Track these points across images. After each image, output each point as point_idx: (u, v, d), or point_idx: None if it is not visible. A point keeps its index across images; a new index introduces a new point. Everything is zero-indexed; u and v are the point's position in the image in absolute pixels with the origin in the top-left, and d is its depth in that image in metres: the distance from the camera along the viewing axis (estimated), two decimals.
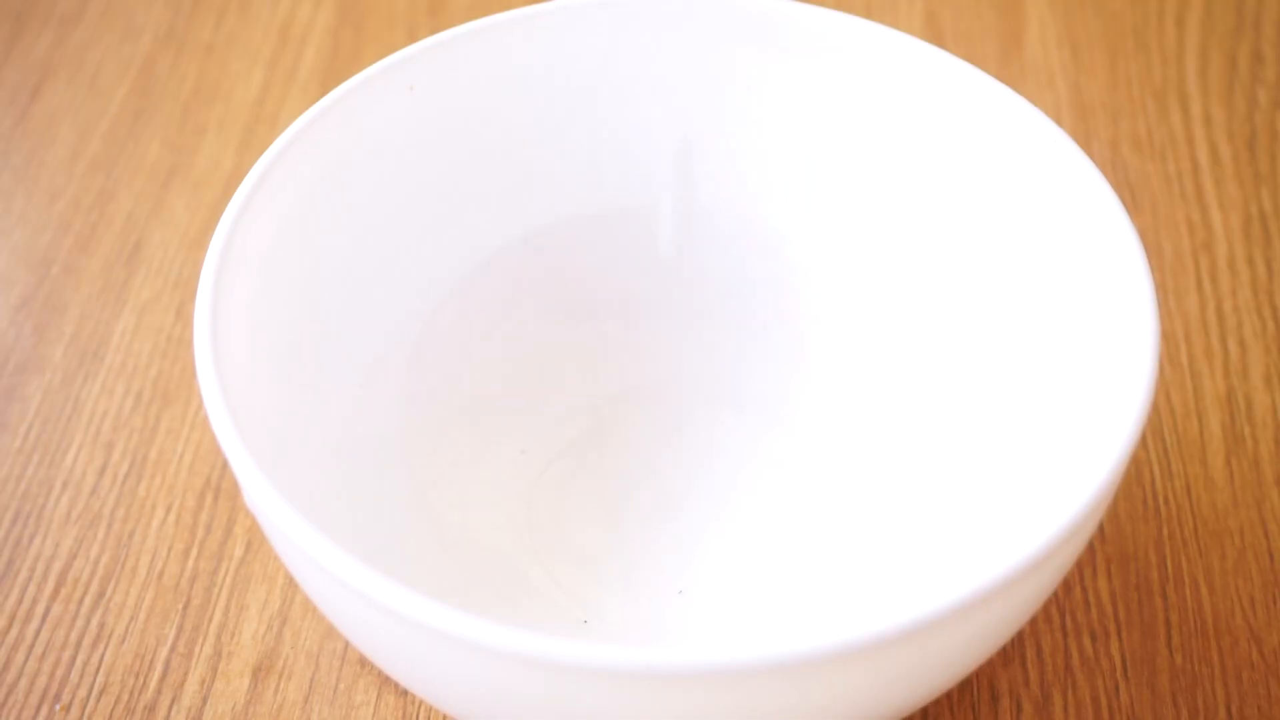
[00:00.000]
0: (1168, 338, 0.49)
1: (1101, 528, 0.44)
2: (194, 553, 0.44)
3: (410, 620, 0.31)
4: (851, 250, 0.46)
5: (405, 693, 0.41)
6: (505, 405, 0.44)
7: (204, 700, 0.41)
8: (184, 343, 0.49)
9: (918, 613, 0.30)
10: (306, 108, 0.41)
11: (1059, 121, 0.55)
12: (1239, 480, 0.45)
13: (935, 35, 0.59)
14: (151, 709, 0.41)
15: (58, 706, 0.41)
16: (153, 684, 0.41)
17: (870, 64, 0.43)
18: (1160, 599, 0.43)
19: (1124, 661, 0.41)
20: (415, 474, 0.42)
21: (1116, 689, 0.41)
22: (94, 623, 0.43)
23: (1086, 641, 0.42)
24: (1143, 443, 0.46)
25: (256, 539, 0.44)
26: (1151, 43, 0.59)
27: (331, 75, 0.58)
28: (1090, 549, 0.44)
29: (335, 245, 0.42)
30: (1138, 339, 0.36)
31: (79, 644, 0.42)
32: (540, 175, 0.46)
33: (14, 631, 0.42)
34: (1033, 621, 0.42)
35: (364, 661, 0.42)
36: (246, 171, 0.40)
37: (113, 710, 0.41)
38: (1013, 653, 0.42)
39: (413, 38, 0.59)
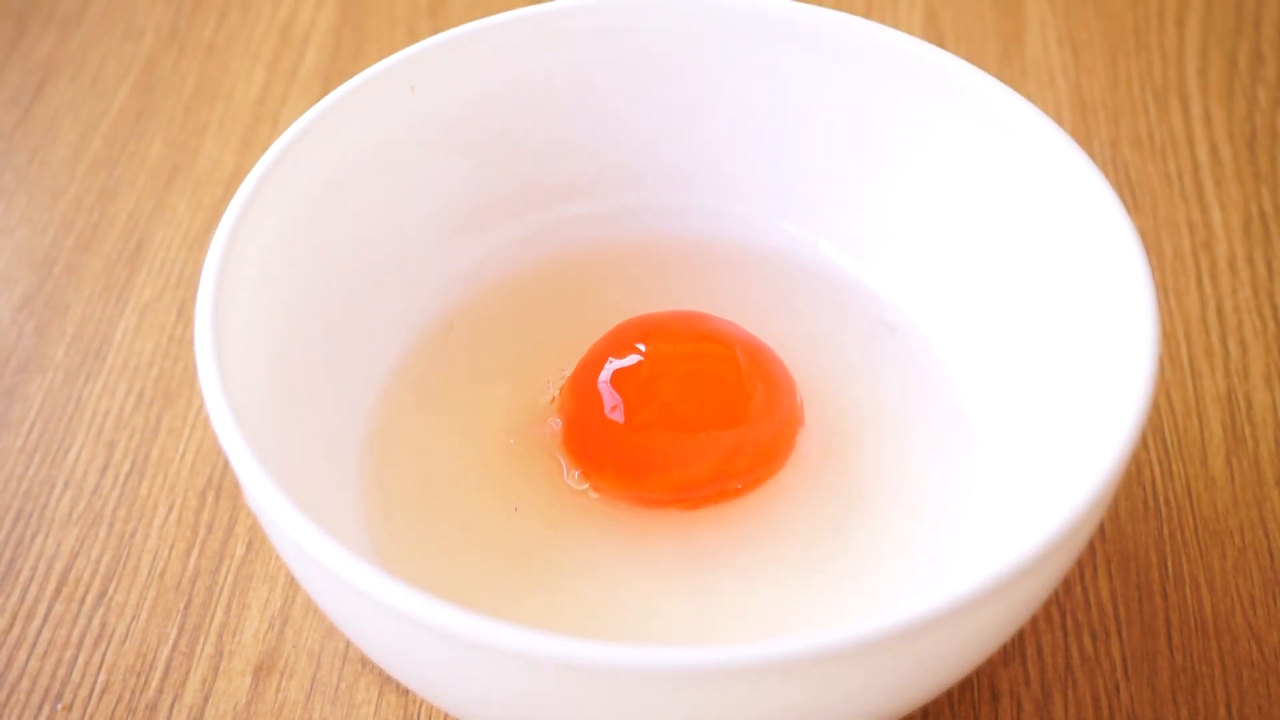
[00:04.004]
0: (1168, 337, 0.49)
1: (1102, 527, 0.44)
2: (195, 552, 0.44)
3: (411, 618, 0.31)
4: (848, 248, 0.46)
5: (407, 692, 0.41)
6: (509, 404, 0.44)
7: (205, 699, 0.41)
8: (185, 342, 0.49)
9: (919, 611, 0.30)
10: (308, 107, 0.41)
11: (1059, 121, 0.55)
12: (1239, 480, 0.45)
13: (935, 35, 0.59)
14: (153, 708, 0.41)
15: (59, 706, 0.41)
16: (154, 683, 0.41)
17: (870, 63, 0.43)
18: (1160, 598, 0.43)
19: (1124, 660, 0.41)
20: (416, 473, 0.42)
21: (1117, 688, 0.41)
22: (96, 622, 0.43)
23: (1087, 640, 0.42)
24: (1143, 442, 0.46)
25: (258, 538, 0.44)
26: (1152, 42, 0.59)
27: (333, 75, 0.58)
28: (1091, 548, 0.44)
29: (336, 244, 0.42)
30: (1138, 338, 0.36)
31: (81, 643, 0.42)
32: (541, 175, 0.46)
33: (16, 630, 0.42)
34: (1033, 620, 0.42)
35: (365, 661, 0.42)
36: (248, 171, 0.40)
37: (114, 709, 0.41)
38: (1013, 652, 0.42)
39: (414, 38, 0.59)
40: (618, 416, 0.41)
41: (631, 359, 0.42)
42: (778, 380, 0.43)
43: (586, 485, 0.42)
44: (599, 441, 0.41)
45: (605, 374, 0.41)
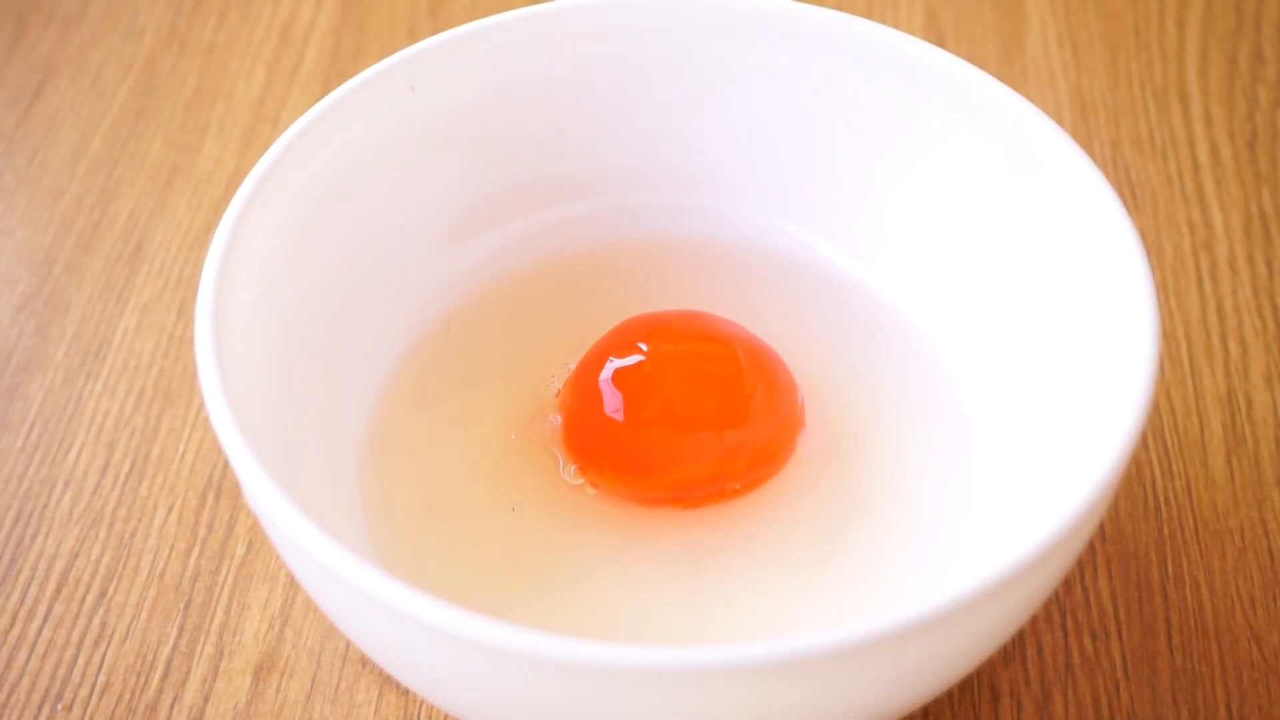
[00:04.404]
0: (1168, 337, 0.49)
1: (1102, 527, 0.44)
2: (195, 552, 0.44)
3: (411, 618, 0.31)
4: (848, 248, 0.46)
5: (407, 692, 0.41)
6: (509, 404, 0.44)
7: (205, 699, 0.41)
8: (186, 342, 0.49)
9: (919, 611, 0.30)
10: (308, 107, 0.41)
11: (1059, 121, 0.55)
12: (1239, 480, 0.45)
13: (936, 35, 0.59)
14: (153, 708, 0.41)
15: (59, 706, 0.41)
16: (154, 683, 0.41)
17: (871, 64, 0.43)
18: (1160, 598, 0.43)
19: (1124, 660, 0.41)
20: (416, 472, 0.42)
21: (1117, 688, 0.41)
22: (96, 622, 0.43)
23: (1087, 640, 0.42)
24: (1143, 442, 0.46)
25: (258, 538, 0.44)
26: (1152, 42, 0.59)
27: (333, 75, 0.58)
28: (1091, 548, 0.44)
29: (336, 244, 0.42)
30: (1138, 338, 0.36)
31: (81, 643, 0.42)
32: (541, 175, 0.46)
33: (16, 630, 0.42)
34: (1033, 620, 0.42)
35: (365, 661, 0.42)
36: (248, 171, 0.40)
37: (114, 709, 0.41)
38: (1013, 651, 0.42)
39: (414, 37, 0.59)
40: (617, 414, 0.41)
41: (632, 358, 0.42)
42: (779, 381, 0.43)
43: (583, 480, 0.42)
44: (598, 439, 0.42)
45: (606, 372, 0.42)
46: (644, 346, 0.42)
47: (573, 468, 0.42)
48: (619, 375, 0.41)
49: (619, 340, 0.42)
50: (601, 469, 0.42)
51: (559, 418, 0.43)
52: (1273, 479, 0.45)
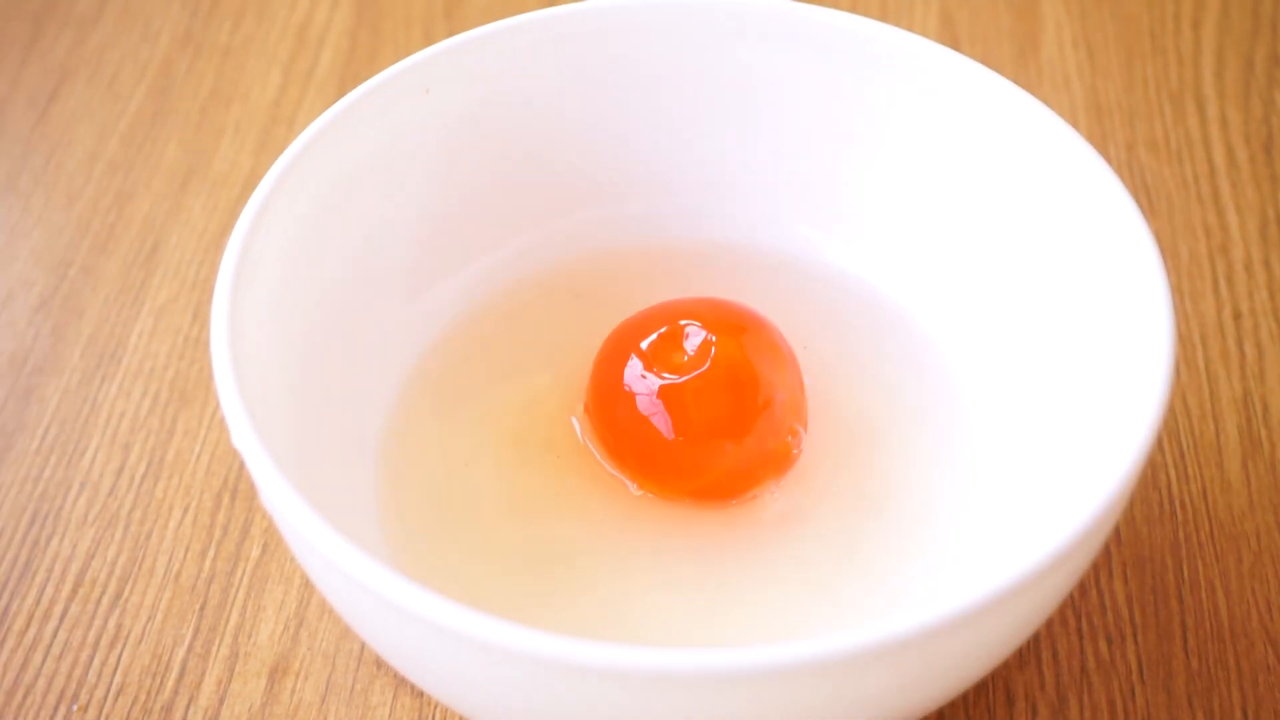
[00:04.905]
0: (1184, 340, 0.49)
1: (1118, 530, 0.44)
2: (211, 553, 0.44)
3: (425, 621, 0.31)
4: (859, 252, 0.46)
5: (421, 693, 0.41)
6: (523, 406, 0.44)
7: (220, 701, 0.41)
8: (201, 344, 0.49)
9: (935, 614, 0.30)
10: (323, 109, 0.41)
11: (1075, 124, 0.55)
12: (1255, 483, 0.45)
13: (951, 37, 0.59)
14: (168, 709, 0.41)
15: (75, 707, 0.41)
16: (170, 684, 0.41)
17: (885, 66, 0.43)
18: (1176, 602, 0.43)
19: (1140, 664, 0.41)
20: (432, 474, 0.42)
21: (1132, 692, 0.41)
22: (111, 623, 0.43)
23: (1102, 644, 0.42)
24: (1159, 446, 0.46)
25: (273, 540, 0.44)
26: (1168, 45, 0.59)
27: (348, 77, 0.58)
28: (1106, 552, 0.44)
29: (351, 246, 0.42)
30: (1154, 342, 0.36)
31: (96, 644, 0.42)
32: (558, 177, 0.46)
33: (32, 632, 0.43)
34: (1049, 624, 0.42)
35: (380, 662, 0.42)
36: (264, 173, 0.40)
37: (130, 711, 0.41)
38: (1029, 655, 0.41)
39: (429, 40, 0.60)
40: (662, 425, 0.41)
41: (666, 356, 0.42)
42: (791, 382, 0.43)
43: (603, 461, 0.42)
44: (627, 438, 0.41)
45: (641, 374, 0.41)
46: (680, 342, 0.42)
47: (609, 462, 0.42)
48: (664, 392, 0.41)
49: (651, 330, 0.42)
50: (626, 465, 0.42)
51: (576, 420, 0.43)
52: None
